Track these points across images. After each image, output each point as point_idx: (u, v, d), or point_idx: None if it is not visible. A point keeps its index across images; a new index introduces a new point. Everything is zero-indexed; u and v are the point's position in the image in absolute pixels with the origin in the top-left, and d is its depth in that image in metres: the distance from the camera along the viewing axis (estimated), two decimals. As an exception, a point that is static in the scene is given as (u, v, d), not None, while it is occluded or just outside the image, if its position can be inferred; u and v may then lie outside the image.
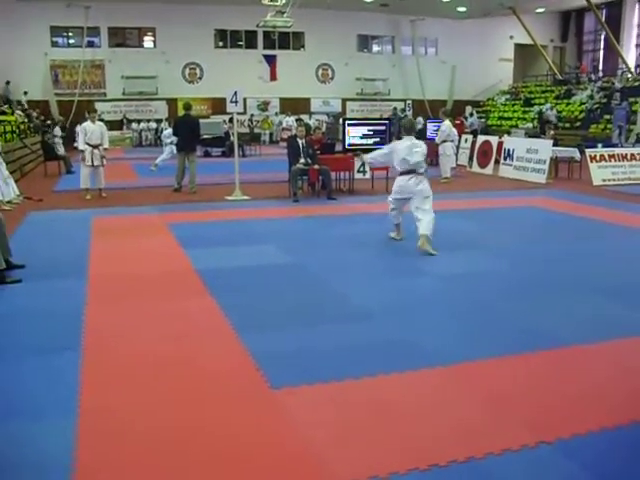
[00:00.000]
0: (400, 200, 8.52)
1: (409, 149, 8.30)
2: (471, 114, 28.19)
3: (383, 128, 14.35)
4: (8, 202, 12.04)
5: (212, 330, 5.37)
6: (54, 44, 31.48)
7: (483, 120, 31.69)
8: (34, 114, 26.77)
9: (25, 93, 29.22)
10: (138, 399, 4.07)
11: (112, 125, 30.91)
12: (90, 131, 13.05)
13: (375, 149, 14.03)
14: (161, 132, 25.11)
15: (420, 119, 27.26)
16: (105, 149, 13.31)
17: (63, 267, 7.50)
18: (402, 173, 8.40)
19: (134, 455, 3.41)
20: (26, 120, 23.89)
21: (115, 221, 10.61)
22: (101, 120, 15.31)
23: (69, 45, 32.11)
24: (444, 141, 16.13)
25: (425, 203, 8.16)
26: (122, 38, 33.05)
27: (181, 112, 16.26)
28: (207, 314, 5.79)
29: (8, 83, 28.85)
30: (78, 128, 13.89)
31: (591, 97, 29.52)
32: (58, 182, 16.38)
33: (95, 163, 13.02)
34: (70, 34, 32.05)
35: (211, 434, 3.63)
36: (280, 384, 4.23)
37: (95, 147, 13.03)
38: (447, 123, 16.29)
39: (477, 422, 3.77)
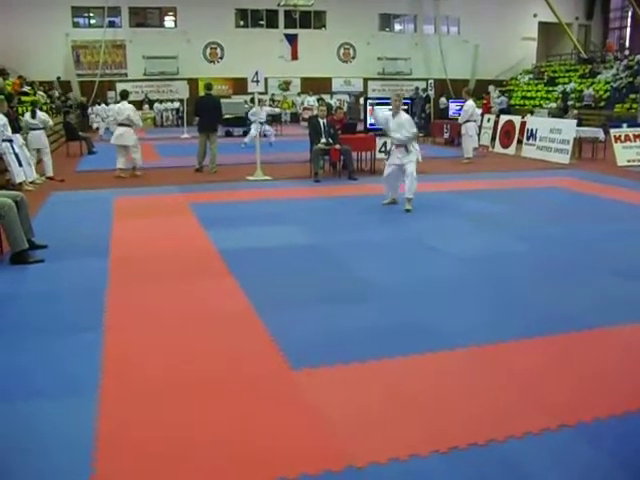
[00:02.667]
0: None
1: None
2: (503, 93, 27.80)
3: (405, 107, 14.21)
4: (31, 183, 12.13)
5: (233, 311, 5.37)
6: (75, 25, 31.56)
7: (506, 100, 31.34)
8: (56, 95, 26.89)
9: (58, 78, 29.70)
10: (160, 379, 4.09)
11: (134, 105, 31.04)
12: None
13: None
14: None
15: (443, 99, 27.08)
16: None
17: (85, 247, 7.54)
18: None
19: (155, 436, 3.43)
20: (48, 101, 23.98)
21: (137, 201, 10.65)
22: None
23: (90, 25, 32.17)
24: (467, 121, 15.97)
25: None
26: (143, 18, 33.04)
27: (202, 92, 16.18)
28: (229, 294, 5.80)
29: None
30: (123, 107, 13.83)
31: (617, 76, 29.04)
32: (80, 162, 16.48)
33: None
34: (91, 14, 32.12)
35: (231, 416, 3.64)
36: (300, 365, 4.23)
37: None
38: (470, 103, 16.12)
39: (498, 404, 3.74)
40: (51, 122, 15.05)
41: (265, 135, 19.54)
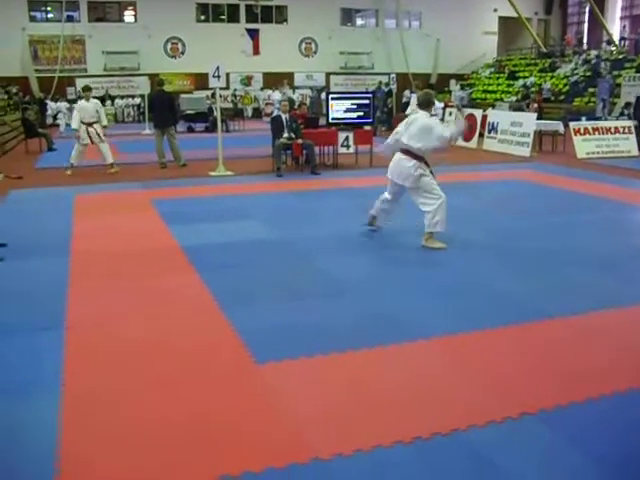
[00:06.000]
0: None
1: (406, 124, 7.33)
2: (463, 87, 27.94)
3: (367, 102, 14.28)
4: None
5: (197, 307, 5.35)
6: (32, 19, 30.96)
7: (467, 93, 31.61)
8: (13, 90, 26.40)
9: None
10: (123, 378, 4.05)
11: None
12: (84, 109, 13.25)
13: (360, 123, 14.12)
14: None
15: (407, 92, 27.22)
16: (104, 126, 13.52)
17: (46, 245, 7.43)
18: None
19: (119, 436, 3.40)
20: (5, 97, 23.55)
21: (98, 198, 10.51)
22: (95, 97, 15.01)
23: (48, 20, 31.60)
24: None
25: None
26: (102, 12, 32.55)
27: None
28: (192, 291, 5.76)
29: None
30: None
31: (575, 70, 29.48)
32: (39, 159, 16.21)
33: (94, 140, 13.22)
34: (48, 8, 31.55)
35: (197, 411, 3.62)
36: (265, 359, 4.23)
37: (90, 125, 13.16)
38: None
39: (461, 394, 3.78)
40: None
41: None
